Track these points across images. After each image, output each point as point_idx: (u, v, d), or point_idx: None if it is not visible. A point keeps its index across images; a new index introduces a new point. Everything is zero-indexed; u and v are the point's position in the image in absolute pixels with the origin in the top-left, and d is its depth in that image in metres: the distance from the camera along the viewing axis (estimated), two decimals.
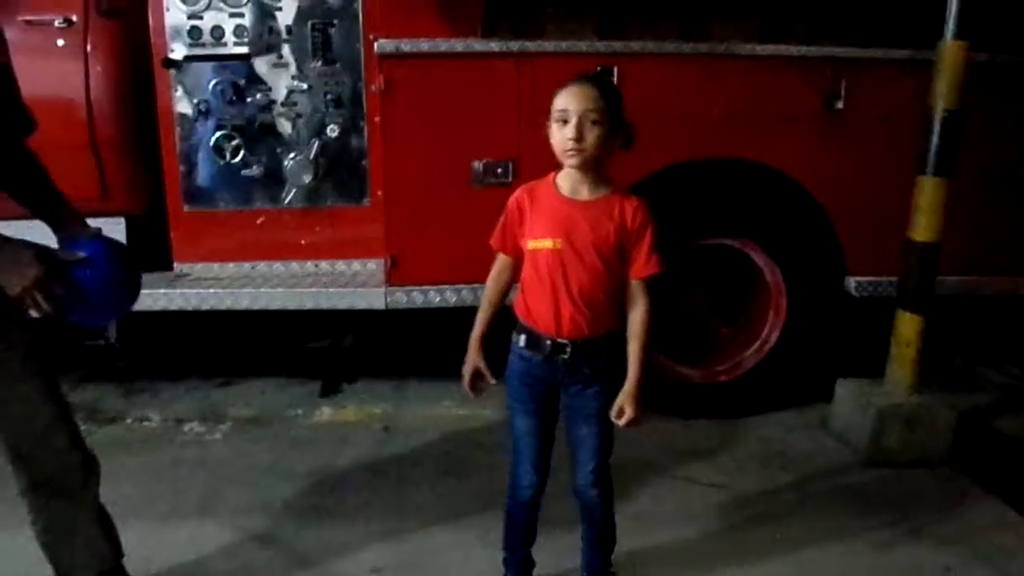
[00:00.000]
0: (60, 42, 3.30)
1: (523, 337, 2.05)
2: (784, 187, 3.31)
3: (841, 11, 3.40)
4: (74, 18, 3.29)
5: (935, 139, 2.94)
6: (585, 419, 2.08)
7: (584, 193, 1.97)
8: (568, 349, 1.99)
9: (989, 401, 3.81)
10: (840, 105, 3.26)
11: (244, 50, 3.35)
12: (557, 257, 1.95)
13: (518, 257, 2.05)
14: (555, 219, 1.96)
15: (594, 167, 1.95)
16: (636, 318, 2.02)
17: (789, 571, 2.48)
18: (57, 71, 3.33)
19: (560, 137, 1.90)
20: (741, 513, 2.80)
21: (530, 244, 1.98)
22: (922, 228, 3.00)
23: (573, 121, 1.87)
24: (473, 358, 2.08)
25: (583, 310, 1.97)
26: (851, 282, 3.43)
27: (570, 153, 1.89)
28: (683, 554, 2.54)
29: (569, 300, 1.96)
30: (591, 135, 1.88)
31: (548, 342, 2.00)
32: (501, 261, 2.10)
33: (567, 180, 1.98)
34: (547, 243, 1.96)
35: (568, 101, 1.89)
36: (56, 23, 3.28)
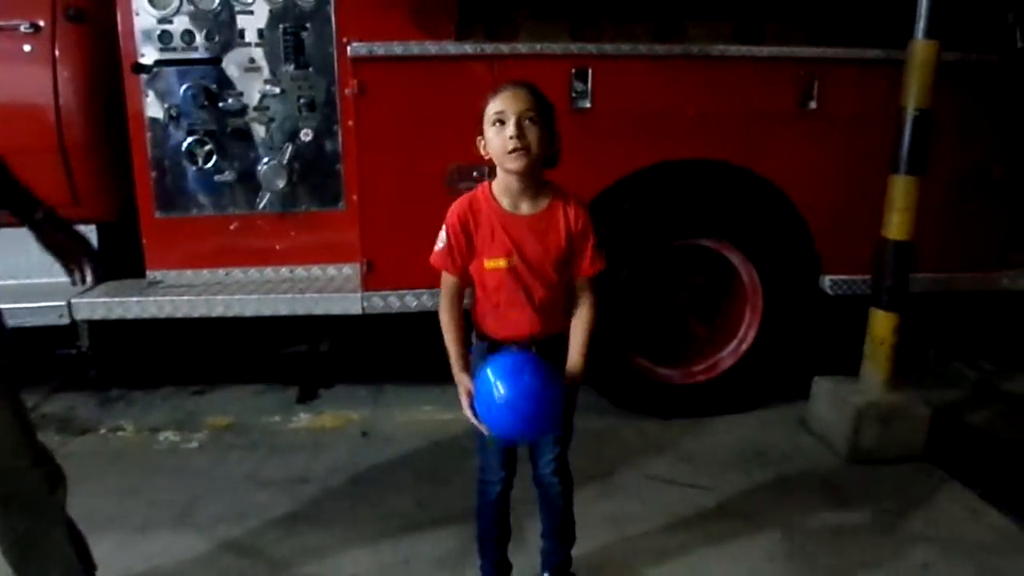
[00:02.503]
0: (27, 48, 3.26)
1: (484, 345, 2.04)
2: (759, 187, 3.33)
3: (814, 11, 3.43)
4: (41, 23, 3.25)
5: (907, 138, 2.96)
6: None
7: (525, 207, 1.94)
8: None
9: (963, 396, 3.85)
10: (813, 105, 3.28)
11: (215, 54, 3.32)
12: (512, 275, 1.94)
13: (467, 278, 2.00)
14: (505, 237, 1.94)
15: (533, 175, 1.92)
16: (584, 311, 2.01)
17: (768, 569, 2.49)
18: (25, 77, 3.29)
19: (499, 140, 1.86)
20: (720, 511, 2.80)
21: (486, 264, 1.95)
22: (895, 226, 3.02)
23: (512, 120, 1.84)
24: (466, 384, 1.94)
25: (542, 317, 1.98)
26: (826, 281, 3.46)
27: (514, 155, 1.84)
28: (661, 553, 2.54)
29: (530, 310, 1.97)
30: (531, 134, 1.85)
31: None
32: (452, 287, 2.00)
33: (506, 195, 1.94)
34: (502, 263, 1.94)
35: (505, 102, 1.85)
36: (23, 28, 3.24)
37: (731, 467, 3.11)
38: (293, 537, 2.63)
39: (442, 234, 1.98)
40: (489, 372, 1.83)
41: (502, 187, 1.95)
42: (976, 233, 3.51)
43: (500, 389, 1.80)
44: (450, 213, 1.98)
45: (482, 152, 1.94)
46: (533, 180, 1.93)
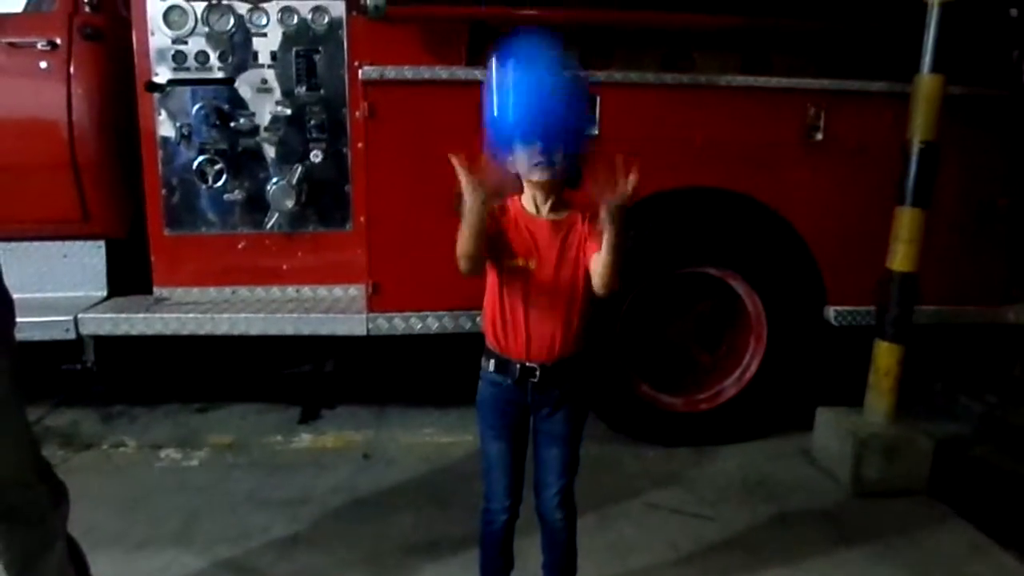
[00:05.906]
0: (43, 65, 3.30)
1: (492, 362, 2.03)
2: (765, 217, 3.34)
3: (821, 44, 3.46)
4: (58, 41, 3.30)
5: (912, 170, 2.97)
6: (553, 441, 2.07)
7: (547, 212, 1.97)
8: (537, 372, 1.98)
9: (967, 430, 3.84)
10: (819, 136, 3.30)
11: (229, 75, 3.36)
12: (528, 277, 1.94)
13: (495, 233, 1.93)
14: (525, 237, 1.95)
15: (556, 189, 1.95)
16: None
17: None
18: (40, 93, 3.33)
19: (526, 154, 1.90)
20: (722, 543, 2.78)
21: (505, 263, 1.95)
22: (900, 258, 3.03)
23: None
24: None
25: (554, 331, 1.96)
26: (831, 311, 3.46)
27: (538, 168, 1.88)
28: None
29: (540, 322, 1.96)
30: (557, 152, 1.89)
31: (517, 366, 1.99)
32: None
33: (531, 202, 1.97)
34: (519, 262, 1.94)
35: None
36: (40, 46, 3.29)
37: (733, 497, 3.10)
38: (292, 558, 2.62)
39: None
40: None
41: (528, 196, 1.98)
42: (981, 266, 3.51)
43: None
44: None
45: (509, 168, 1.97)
46: (556, 193, 1.96)
